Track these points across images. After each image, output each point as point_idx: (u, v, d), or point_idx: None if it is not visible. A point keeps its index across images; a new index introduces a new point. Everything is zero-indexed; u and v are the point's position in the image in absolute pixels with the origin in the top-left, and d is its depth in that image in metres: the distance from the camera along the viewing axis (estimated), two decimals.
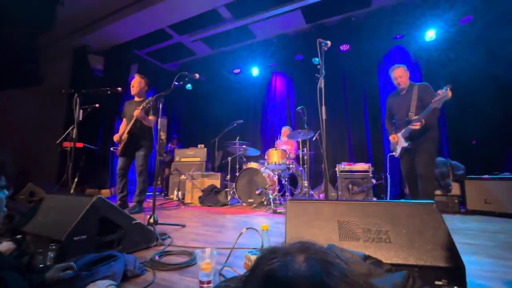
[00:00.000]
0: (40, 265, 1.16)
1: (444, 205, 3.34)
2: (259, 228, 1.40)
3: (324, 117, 1.81)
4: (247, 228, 1.46)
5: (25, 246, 1.35)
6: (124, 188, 3.30)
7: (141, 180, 3.25)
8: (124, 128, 3.33)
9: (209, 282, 1.08)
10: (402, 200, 1.89)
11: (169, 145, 6.19)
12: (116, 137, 3.31)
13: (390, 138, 2.90)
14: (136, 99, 3.44)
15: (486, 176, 3.25)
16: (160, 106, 2.20)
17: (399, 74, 2.83)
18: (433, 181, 2.62)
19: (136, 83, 3.39)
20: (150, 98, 3.16)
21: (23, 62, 4.78)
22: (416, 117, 2.54)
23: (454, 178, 3.39)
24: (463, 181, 3.35)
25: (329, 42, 2.01)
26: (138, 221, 1.62)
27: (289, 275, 0.36)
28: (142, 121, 3.16)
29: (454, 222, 2.67)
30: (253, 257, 1.34)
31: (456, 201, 3.32)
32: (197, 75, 2.38)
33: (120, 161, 3.30)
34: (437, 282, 0.90)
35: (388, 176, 3.71)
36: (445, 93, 2.24)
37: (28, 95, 5.02)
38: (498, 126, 3.94)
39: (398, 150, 2.83)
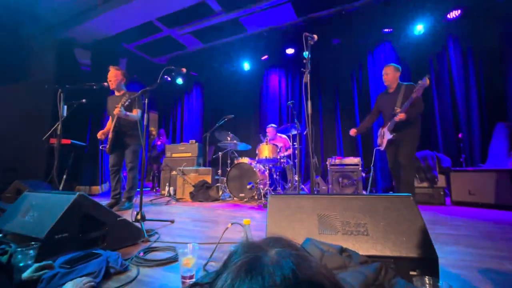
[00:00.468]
0: (20, 264, 1.15)
1: (430, 196, 3.43)
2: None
3: (309, 111, 1.81)
4: (232, 223, 1.47)
5: (6, 245, 1.33)
6: (118, 185, 3.23)
7: (131, 177, 3.18)
8: (109, 125, 3.21)
9: (191, 277, 1.08)
10: (380, 193, 1.93)
11: (156, 140, 6.13)
12: (99, 135, 3.18)
13: (378, 133, 3.09)
14: (116, 93, 3.27)
15: (470, 168, 3.33)
16: (146, 101, 2.16)
17: (386, 72, 3.01)
18: (413, 171, 2.85)
19: (113, 76, 3.18)
20: (129, 94, 3.11)
21: (5, 56, 4.62)
22: (399, 109, 2.71)
23: (440, 170, 3.46)
24: (448, 174, 3.43)
25: (315, 36, 2.00)
26: (123, 218, 1.61)
27: (260, 267, 0.36)
28: (122, 118, 3.02)
29: (438, 213, 2.74)
30: None
31: (442, 193, 3.40)
32: (184, 69, 2.34)
33: (111, 159, 3.22)
34: (411, 273, 0.92)
35: (372, 168, 3.80)
36: (424, 82, 2.43)
37: (12, 90, 4.87)
38: (484, 120, 4.05)
39: (384, 143, 3.00)
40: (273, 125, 4.91)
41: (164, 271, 1.26)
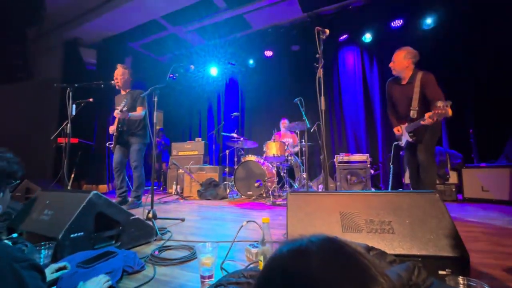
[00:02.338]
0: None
1: (442, 193, 3.36)
2: (260, 221, 1.38)
3: (323, 107, 1.78)
4: (247, 221, 1.44)
5: (22, 244, 1.33)
6: (123, 184, 3.23)
7: (136, 175, 3.19)
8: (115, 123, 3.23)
9: (210, 277, 1.06)
10: (403, 190, 1.80)
11: (156, 138, 6.14)
12: (111, 129, 3.20)
13: (395, 130, 2.68)
14: (122, 92, 3.31)
15: (483, 164, 3.27)
16: (156, 99, 2.14)
17: (393, 59, 2.55)
18: (433, 169, 2.47)
19: (119, 74, 3.20)
20: (132, 93, 3.19)
21: (13, 56, 4.64)
22: (417, 115, 2.34)
23: (452, 167, 3.41)
24: (460, 170, 3.37)
25: (327, 31, 1.96)
26: (136, 216, 1.60)
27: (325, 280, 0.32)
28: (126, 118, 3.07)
29: (452, 210, 2.68)
30: (254, 251, 1.33)
31: (454, 189, 3.34)
32: (192, 66, 2.32)
33: (115, 157, 3.24)
34: (440, 272, 0.89)
35: (391, 166, 3.66)
36: (445, 109, 2.00)
37: (19, 89, 4.90)
38: (495, 115, 3.96)
39: (404, 140, 2.65)
40: (286, 119, 4.92)
41: (180, 270, 1.25)
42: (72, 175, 4.45)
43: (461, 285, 0.77)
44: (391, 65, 2.54)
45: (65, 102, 2.73)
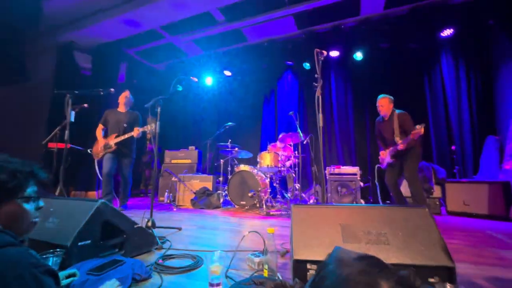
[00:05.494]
0: None
1: (426, 207, 3.54)
2: (261, 231, 1.46)
3: (321, 124, 1.89)
4: (250, 232, 1.51)
5: None
6: (111, 190, 3.54)
7: (127, 184, 3.67)
8: (101, 135, 3.71)
9: (218, 285, 1.12)
10: (396, 205, 2.05)
11: (149, 145, 6.13)
12: (102, 143, 3.61)
13: (380, 153, 3.34)
14: (121, 110, 3.77)
15: (464, 179, 3.48)
16: (159, 110, 2.20)
17: (381, 104, 3.21)
18: (417, 183, 2.97)
19: (127, 97, 3.79)
20: (130, 113, 3.73)
21: (5, 58, 4.56)
22: (401, 140, 2.97)
23: (436, 181, 3.61)
24: (444, 184, 3.57)
25: (325, 52, 2.10)
26: (140, 225, 1.63)
27: None
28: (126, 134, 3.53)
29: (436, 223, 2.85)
30: (257, 260, 1.39)
31: (437, 203, 3.53)
32: (195, 79, 2.43)
33: (106, 166, 3.50)
34: (430, 279, 0.99)
35: (377, 184, 4.13)
36: (419, 131, 2.71)
37: (11, 92, 4.79)
38: (475, 132, 4.26)
39: (385, 162, 3.27)
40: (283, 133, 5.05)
41: (186, 279, 1.29)
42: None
43: None
44: (380, 109, 3.23)
45: (56, 106, 2.78)
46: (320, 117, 1.87)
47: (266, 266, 1.20)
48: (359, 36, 5.08)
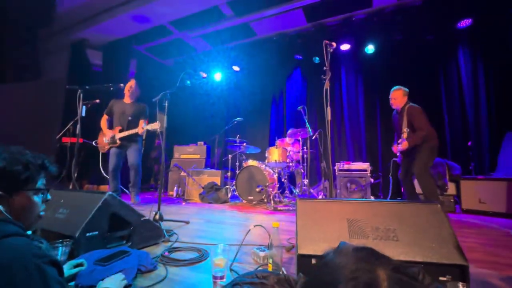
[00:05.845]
0: None
1: (440, 204, 3.43)
2: (268, 226, 1.44)
3: (329, 118, 1.85)
4: (255, 226, 1.50)
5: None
6: (118, 186, 3.52)
7: (136, 174, 3.52)
8: (105, 125, 3.68)
9: (222, 277, 1.11)
10: (407, 200, 2.01)
11: (157, 141, 6.19)
12: (109, 134, 3.54)
13: (392, 148, 3.21)
14: (127, 101, 3.66)
15: (480, 176, 3.34)
16: (166, 104, 2.21)
17: (394, 97, 3.08)
18: (427, 179, 2.83)
19: (134, 88, 3.66)
20: (136, 105, 3.61)
21: (20, 56, 4.71)
22: (405, 135, 2.87)
23: (451, 178, 3.48)
24: (458, 181, 3.44)
25: (334, 44, 2.04)
26: (147, 218, 1.65)
27: None
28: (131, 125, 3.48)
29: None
30: (262, 254, 1.38)
31: (452, 200, 3.41)
32: (204, 74, 2.42)
33: (113, 160, 3.48)
34: (441, 278, 0.95)
35: (391, 178, 4.01)
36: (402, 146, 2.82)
37: (26, 89, 4.95)
38: (493, 128, 4.07)
39: (399, 158, 3.18)
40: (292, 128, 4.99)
41: (191, 271, 1.29)
42: (75, 175, 4.47)
43: None
44: (392, 101, 3.08)
45: (70, 102, 2.83)
46: (328, 110, 1.83)
47: (270, 261, 1.19)
48: (371, 28, 4.92)
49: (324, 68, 1.93)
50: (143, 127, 3.29)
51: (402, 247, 1.01)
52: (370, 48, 5.05)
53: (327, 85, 1.87)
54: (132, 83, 3.65)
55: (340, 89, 5.49)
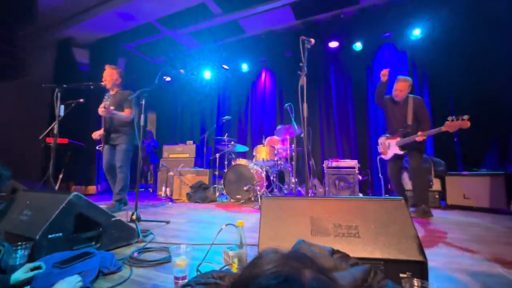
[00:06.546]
0: (12, 264, 1.15)
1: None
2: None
3: (305, 114, 1.83)
4: (227, 224, 1.47)
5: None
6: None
7: (121, 177, 3.11)
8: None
9: (184, 278, 1.09)
10: (373, 196, 1.98)
11: (145, 140, 6.09)
12: (94, 135, 3.22)
13: (380, 140, 3.11)
14: (111, 92, 3.28)
15: (465, 172, 3.36)
16: (143, 102, 2.17)
17: (400, 88, 2.84)
18: (424, 174, 2.84)
19: (108, 75, 3.20)
20: (120, 93, 3.18)
21: (2, 54, 4.61)
22: (421, 132, 2.66)
23: (436, 174, 3.49)
24: (443, 177, 3.45)
25: (312, 40, 2.02)
26: (118, 218, 1.61)
27: None
28: (112, 117, 3.07)
29: (434, 216, 2.76)
30: (231, 253, 1.35)
31: (437, 196, 3.42)
32: (182, 71, 2.36)
33: (104, 159, 3.21)
34: (401, 275, 0.94)
35: (381, 177, 3.97)
36: (463, 123, 2.33)
37: (9, 88, 4.86)
38: (480, 124, 4.07)
39: (389, 154, 3.00)
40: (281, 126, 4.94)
41: (157, 272, 1.27)
42: (61, 176, 4.40)
43: (415, 287, 0.82)
44: (398, 93, 2.85)
45: (54, 102, 2.73)
46: (304, 106, 1.81)
47: (235, 260, 1.16)
48: (359, 26, 4.92)
49: (301, 64, 1.91)
50: (103, 111, 2.90)
51: (363, 244, 0.99)
52: (358, 46, 5.05)
53: (302, 81, 1.85)
54: (106, 73, 3.24)
55: (330, 86, 5.48)
